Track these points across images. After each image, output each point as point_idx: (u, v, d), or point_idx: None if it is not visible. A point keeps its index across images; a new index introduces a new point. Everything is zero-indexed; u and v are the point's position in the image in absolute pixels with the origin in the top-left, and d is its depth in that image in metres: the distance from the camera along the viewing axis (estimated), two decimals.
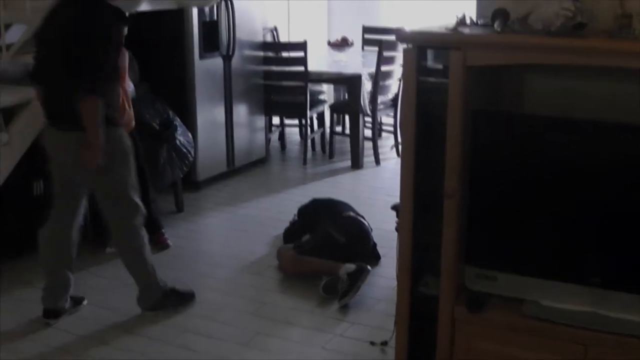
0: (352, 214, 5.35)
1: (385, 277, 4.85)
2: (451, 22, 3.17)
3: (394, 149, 7.79)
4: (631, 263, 2.85)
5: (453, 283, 3.07)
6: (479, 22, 3.21)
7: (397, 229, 3.42)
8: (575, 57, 2.74)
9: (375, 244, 5.24)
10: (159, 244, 5.51)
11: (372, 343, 4.16)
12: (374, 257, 5.18)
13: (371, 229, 5.26)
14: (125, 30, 4.29)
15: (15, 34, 5.29)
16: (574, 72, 3.06)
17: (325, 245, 4.98)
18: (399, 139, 5.09)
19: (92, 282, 4.92)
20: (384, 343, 4.11)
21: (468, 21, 3.19)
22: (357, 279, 4.56)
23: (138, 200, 4.37)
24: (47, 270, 4.46)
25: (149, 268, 4.46)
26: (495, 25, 2.97)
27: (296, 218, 5.61)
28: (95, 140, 4.00)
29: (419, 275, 3.26)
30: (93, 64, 3.98)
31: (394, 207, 4.09)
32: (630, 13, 2.81)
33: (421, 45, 3.04)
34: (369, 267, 4.65)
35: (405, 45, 3.07)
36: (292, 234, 5.46)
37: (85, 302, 4.62)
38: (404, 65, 3.07)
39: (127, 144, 4.29)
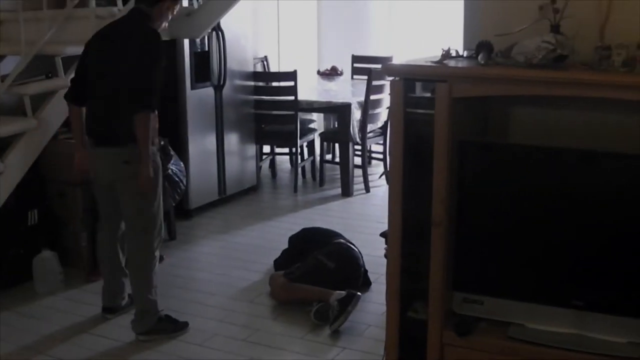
0: (342, 240, 5.42)
1: (375, 302, 4.92)
2: (437, 53, 3.28)
3: (384, 177, 7.87)
4: (612, 286, 2.95)
5: (441, 308, 3.15)
6: (464, 54, 3.32)
7: (386, 256, 3.50)
8: (556, 88, 2.85)
9: (366, 270, 5.30)
10: None
11: None
12: (365, 284, 5.25)
13: (361, 255, 5.32)
14: None
15: (8, 65, 5.37)
16: (557, 103, 3.16)
17: (316, 271, 5.04)
18: (388, 167, 5.17)
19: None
20: None
21: (453, 53, 3.29)
22: (347, 304, 4.62)
23: (162, 220, 4.58)
24: (104, 273, 4.87)
25: (152, 292, 4.55)
26: (480, 57, 3.08)
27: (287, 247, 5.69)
28: (148, 154, 4.24)
29: (408, 301, 3.34)
30: (152, 83, 4.27)
31: (383, 234, 4.19)
32: (609, 45, 2.92)
33: (408, 78, 3.13)
34: (359, 293, 4.70)
35: (393, 78, 3.17)
36: (282, 262, 5.53)
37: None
38: (392, 97, 3.17)
39: (159, 162, 4.53)
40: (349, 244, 5.36)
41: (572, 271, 3.02)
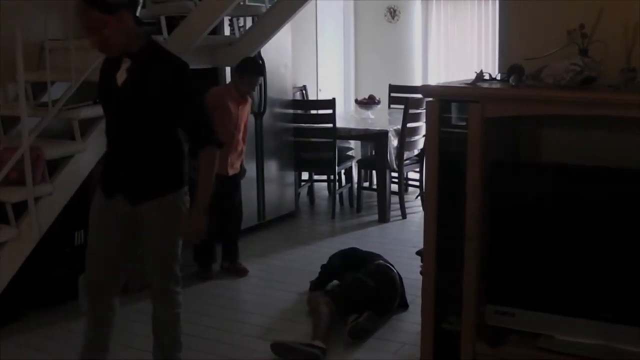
0: (381, 261, 5.51)
1: (411, 322, 5.01)
2: (471, 77, 3.42)
3: (420, 200, 7.94)
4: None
5: (474, 320, 3.26)
6: (496, 77, 3.46)
7: (421, 272, 3.62)
8: (583, 108, 2.97)
9: (404, 292, 5.39)
10: (239, 271, 6.19)
11: None
12: (402, 305, 5.34)
13: (400, 278, 5.40)
14: None
15: (56, 92, 5.55)
16: (585, 123, 3.28)
17: (355, 288, 5.13)
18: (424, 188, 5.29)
19: None
20: None
21: (486, 76, 3.43)
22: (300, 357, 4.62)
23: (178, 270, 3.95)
24: None
25: (178, 342, 4.05)
26: (511, 80, 3.22)
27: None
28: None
29: (442, 315, 3.45)
30: (208, 118, 3.81)
31: (419, 253, 4.30)
32: (634, 67, 3.05)
33: (443, 99, 3.28)
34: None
35: (429, 99, 3.31)
36: (318, 282, 5.64)
37: None
38: (428, 117, 3.31)
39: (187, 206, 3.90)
40: (388, 265, 5.46)
41: (601, 284, 3.13)
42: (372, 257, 5.63)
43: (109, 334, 4.06)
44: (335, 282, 5.45)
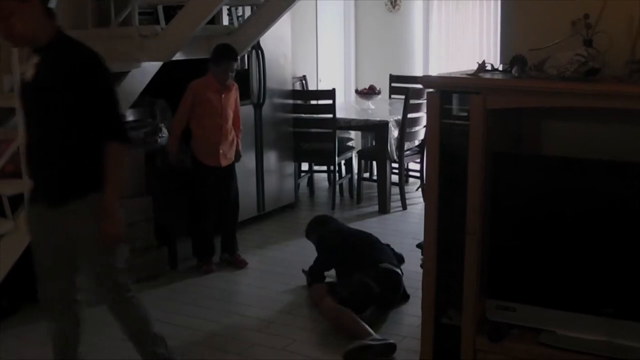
0: (388, 265, 5.34)
1: (411, 315, 4.97)
2: (472, 68, 3.37)
3: (420, 191, 7.87)
4: None
5: (474, 314, 3.22)
6: (499, 68, 3.41)
7: (421, 266, 3.58)
8: (587, 100, 2.92)
9: (404, 287, 5.33)
10: (238, 263, 6.13)
11: None
12: (403, 298, 5.30)
13: (402, 272, 5.35)
14: None
15: None
16: (588, 116, 3.23)
17: (361, 293, 5.02)
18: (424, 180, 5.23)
19: None
20: None
21: (488, 67, 3.38)
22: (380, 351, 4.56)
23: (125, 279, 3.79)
24: None
25: (155, 338, 3.93)
26: (513, 71, 3.17)
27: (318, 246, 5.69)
28: (117, 203, 3.57)
29: (443, 309, 3.41)
30: (115, 112, 3.62)
31: (419, 246, 4.26)
32: (639, 59, 2.99)
33: (444, 90, 3.22)
34: (395, 344, 4.58)
35: (430, 90, 3.26)
36: (317, 268, 5.54)
37: None
38: (429, 108, 3.25)
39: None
40: (395, 270, 5.33)
41: (603, 279, 3.08)
42: (379, 254, 5.48)
43: (79, 333, 3.92)
44: (332, 272, 5.40)
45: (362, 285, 5.10)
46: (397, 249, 5.86)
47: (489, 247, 3.25)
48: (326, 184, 8.78)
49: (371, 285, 5.08)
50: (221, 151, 5.88)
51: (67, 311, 3.82)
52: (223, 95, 5.85)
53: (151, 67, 5.81)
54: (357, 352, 4.49)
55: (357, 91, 8.74)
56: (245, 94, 6.85)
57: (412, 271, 5.17)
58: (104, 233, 3.50)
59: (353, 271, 5.25)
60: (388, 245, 5.67)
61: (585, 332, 3.07)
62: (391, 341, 4.57)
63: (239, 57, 6.09)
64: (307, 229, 5.96)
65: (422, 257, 3.73)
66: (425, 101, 3.79)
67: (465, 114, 3.22)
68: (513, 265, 3.24)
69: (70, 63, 3.44)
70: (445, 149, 3.26)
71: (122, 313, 3.79)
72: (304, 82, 8.75)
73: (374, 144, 8.20)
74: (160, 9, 5.97)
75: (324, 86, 9.14)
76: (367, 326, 4.69)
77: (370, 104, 8.27)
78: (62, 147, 3.50)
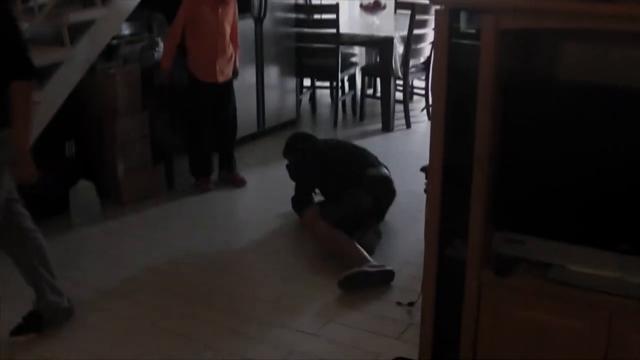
0: (374, 171, 5.21)
1: (413, 240, 4.87)
2: None
3: (425, 112, 7.79)
4: None
5: (480, 247, 3.07)
6: None
7: (425, 191, 3.43)
8: (607, 22, 2.72)
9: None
10: (237, 182, 6.08)
11: (399, 303, 4.20)
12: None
13: (388, 171, 5.28)
14: None
15: None
16: (607, 39, 3.03)
17: (354, 211, 4.93)
18: (430, 102, 5.06)
19: None
20: (411, 304, 4.14)
21: None
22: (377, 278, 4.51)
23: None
24: None
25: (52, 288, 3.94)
26: None
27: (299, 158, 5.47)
28: (28, 144, 3.52)
29: (447, 239, 3.27)
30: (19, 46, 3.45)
31: (423, 169, 4.10)
32: None
33: (453, 7, 3.02)
34: (393, 271, 4.54)
35: (437, 7, 3.06)
36: (303, 194, 5.36)
37: None
38: (436, 27, 3.05)
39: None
40: (383, 174, 5.22)
41: (618, 213, 2.92)
42: (364, 161, 5.30)
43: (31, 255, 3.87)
44: (318, 190, 5.32)
45: (354, 202, 4.98)
46: (401, 170, 5.75)
47: (498, 176, 3.08)
48: (329, 100, 8.68)
49: (362, 199, 4.98)
50: (218, 67, 5.73)
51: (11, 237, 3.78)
52: (220, 10, 5.66)
53: None
54: (353, 279, 4.40)
55: (361, 5, 8.58)
56: (245, 8, 6.67)
57: (418, 193, 5.03)
58: (18, 176, 3.51)
59: (340, 189, 5.10)
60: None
61: (597, 268, 2.91)
62: (389, 268, 4.49)
63: None
64: (285, 148, 5.66)
65: (425, 181, 3.58)
66: (432, 17, 3.59)
67: (474, 30, 3.02)
68: (523, 195, 3.07)
69: None
70: (453, 71, 3.07)
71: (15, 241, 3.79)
72: None
73: (378, 60, 8.05)
74: None
75: (327, 0, 8.91)
76: (364, 252, 4.58)
77: (375, 19, 8.14)
78: None
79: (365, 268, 4.45)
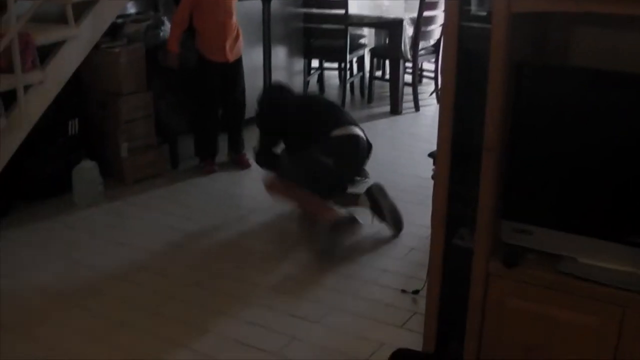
0: (341, 131, 4.88)
1: (419, 225, 4.79)
2: None
3: (434, 95, 7.71)
4: None
5: (489, 236, 2.99)
6: None
7: (433, 177, 3.35)
8: (626, 5, 2.62)
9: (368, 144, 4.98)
10: (242, 163, 6.05)
11: (404, 291, 4.13)
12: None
13: (363, 132, 4.99)
14: None
15: None
16: (623, 24, 2.94)
17: (312, 172, 4.73)
18: (439, 86, 4.97)
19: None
20: (415, 292, 4.08)
21: None
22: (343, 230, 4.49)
23: None
24: None
25: None
26: None
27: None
28: None
29: (454, 227, 3.20)
30: None
31: (431, 155, 4.02)
32: None
33: None
34: (360, 221, 4.52)
35: None
36: (264, 146, 5.19)
37: None
38: (446, 10, 2.97)
39: None
40: (350, 132, 4.89)
41: (632, 204, 2.83)
42: (329, 116, 5.03)
43: None
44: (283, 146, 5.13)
45: (311, 162, 4.76)
46: (409, 153, 5.69)
47: (508, 164, 2.99)
48: (337, 81, 8.62)
49: (320, 159, 4.72)
50: (227, 47, 5.68)
51: None
52: None
53: None
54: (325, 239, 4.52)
55: None
56: None
57: (425, 178, 4.96)
58: None
59: (303, 147, 4.87)
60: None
61: (609, 262, 2.83)
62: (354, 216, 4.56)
63: None
64: (258, 97, 5.38)
65: (433, 167, 3.51)
66: None
67: (485, 13, 2.94)
68: (533, 185, 2.99)
69: None
70: (463, 54, 2.99)
71: None
72: None
73: (387, 42, 7.96)
74: None
75: None
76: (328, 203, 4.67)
77: (384, 0, 8.02)
78: None
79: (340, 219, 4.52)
